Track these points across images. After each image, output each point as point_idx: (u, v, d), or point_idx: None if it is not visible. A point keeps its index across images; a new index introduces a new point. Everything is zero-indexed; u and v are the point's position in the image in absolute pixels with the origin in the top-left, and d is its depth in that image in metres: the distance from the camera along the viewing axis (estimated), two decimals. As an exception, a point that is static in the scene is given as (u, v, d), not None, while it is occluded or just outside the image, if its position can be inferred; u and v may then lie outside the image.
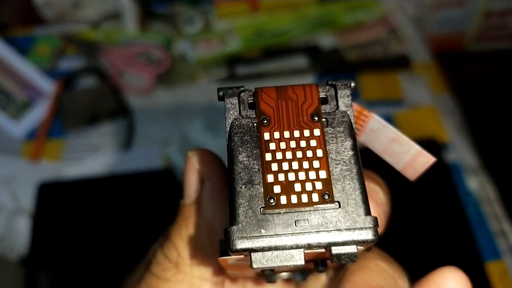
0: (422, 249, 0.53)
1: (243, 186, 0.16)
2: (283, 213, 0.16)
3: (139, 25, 0.70)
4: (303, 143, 0.17)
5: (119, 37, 0.69)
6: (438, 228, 0.55)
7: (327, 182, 0.16)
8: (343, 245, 0.15)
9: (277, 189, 0.16)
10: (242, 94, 0.17)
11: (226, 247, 0.15)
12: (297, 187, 0.16)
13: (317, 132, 0.17)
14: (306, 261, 0.16)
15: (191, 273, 0.18)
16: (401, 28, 0.71)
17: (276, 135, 0.17)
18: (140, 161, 0.59)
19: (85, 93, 0.63)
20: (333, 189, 0.16)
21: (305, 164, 0.16)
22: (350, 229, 0.15)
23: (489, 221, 0.56)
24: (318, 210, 0.16)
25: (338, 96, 0.18)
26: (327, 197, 0.16)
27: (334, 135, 0.17)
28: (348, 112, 0.17)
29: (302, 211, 0.16)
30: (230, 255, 0.16)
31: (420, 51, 0.70)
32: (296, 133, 0.17)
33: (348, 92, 0.18)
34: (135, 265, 0.26)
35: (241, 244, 0.15)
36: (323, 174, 0.16)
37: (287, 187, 0.16)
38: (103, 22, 0.72)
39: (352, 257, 0.15)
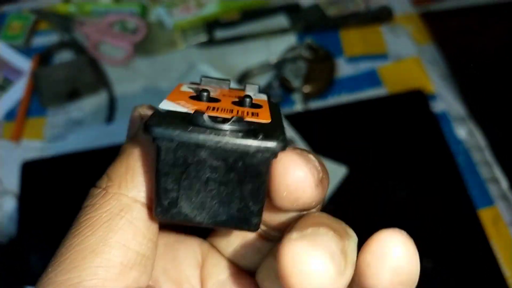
0: (414, 201, 0.53)
1: None
2: None
3: (112, -6, 0.68)
4: None
5: (92, 8, 0.67)
6: (430, 178, 0.54)
7: None
8: None
9: None
10: None
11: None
12: None
13: None
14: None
15: (118, 191, 0.18)
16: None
17: None
18: (124, 133, 0.58)
19: (62, 68, 0.61)
20: None
21: None
22: None
23: (480, 168, 0.55)
24: None
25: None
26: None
27: None
28: None
29: None
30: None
31: (402, 2, 0.68)
32: None
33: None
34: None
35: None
36: None
37: None
38: (75, -6, 0.70)
39: None
